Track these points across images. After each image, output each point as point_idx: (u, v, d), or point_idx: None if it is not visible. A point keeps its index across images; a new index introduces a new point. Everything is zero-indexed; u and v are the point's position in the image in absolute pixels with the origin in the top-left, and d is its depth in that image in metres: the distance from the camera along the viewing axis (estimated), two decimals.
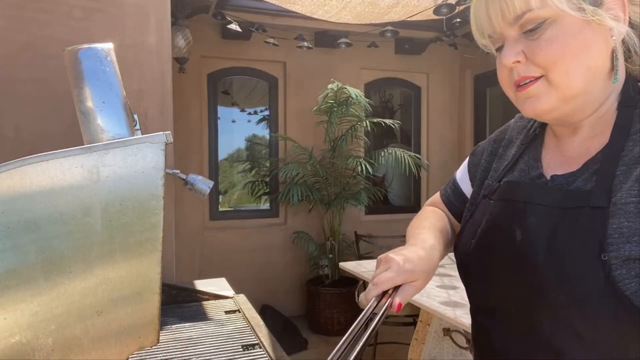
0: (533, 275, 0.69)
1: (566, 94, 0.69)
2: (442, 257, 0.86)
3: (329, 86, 4.28)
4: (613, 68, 0.70)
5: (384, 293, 0.73)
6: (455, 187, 0.99)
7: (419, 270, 0.75)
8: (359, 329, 0.66)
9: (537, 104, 0.70)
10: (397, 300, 0.71)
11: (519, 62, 0.70)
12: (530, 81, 0.70)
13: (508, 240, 0.74)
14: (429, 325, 2.51)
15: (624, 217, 0.62)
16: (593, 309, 0.62)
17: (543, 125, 0.84)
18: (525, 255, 0.71)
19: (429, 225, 0.91)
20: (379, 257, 0.78)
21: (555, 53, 0.67)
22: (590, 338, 0.63)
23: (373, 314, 0.69)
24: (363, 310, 0.70)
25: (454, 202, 0.98)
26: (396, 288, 0.74)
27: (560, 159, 0.77)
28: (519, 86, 0.71)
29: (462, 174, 0.98)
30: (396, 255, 0.75)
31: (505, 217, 0.77)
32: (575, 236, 0.66)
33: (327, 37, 4.60)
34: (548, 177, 0.75)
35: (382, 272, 0.74)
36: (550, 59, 0.67)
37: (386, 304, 0.71)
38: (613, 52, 0.69)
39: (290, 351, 1.04)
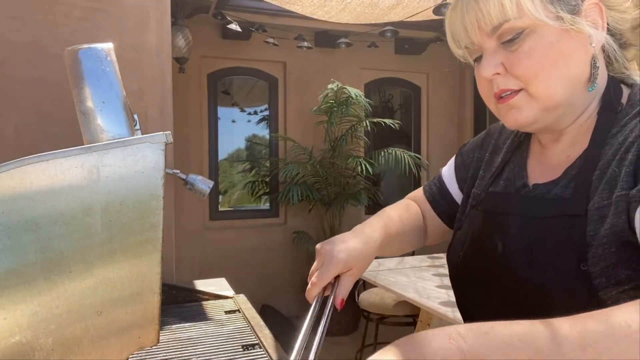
0: (514, 288, 0.68)
1: (547, 105, 0.67)
2: (387, 241, 0.84)
3: (329, 86, 4.28)
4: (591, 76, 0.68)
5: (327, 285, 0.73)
6: (441, 185, 0.96)
7: (353, 259, 0.74)
8: (309, 329, 0.67)
9: (518, 115, 0.69)
10: (338, 298, 0.72)
11: (498, 74, 0.68)
12: (510, 93, 0.68)
13: (490, 253, 0.73)
14: (429, 325, 2.52)
15: (599, 222, 0.61)
16: None
17: (528, 132, 0.82)
18: (506, 268, 0.70)
19: (381, 216, 0.89)
20: (316, 246, 0.78)
21: (535, 65, 0.65)
22: None
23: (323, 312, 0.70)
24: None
25: (439, 199, 0.95)
26: (335, 279, 0.74)
27: (544, 167, 0.75)
28: (500, 98, 0.70)
29: (448, 173, 0.95)
30: (329, 246, 0.75)
31: (487, 229, 0.76)
32: (554, 246, 0.64)
33: (327, 37, 4.60)
34: (531, 187, 0.74)
35: (318, 267, 0.74)
36: (529, 71, 0.66)
37: (329, 305, 0.71)
38: (592, 59, 0.67)
39: (290, 351, 1.03)
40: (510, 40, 0.66)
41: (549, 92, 0.66)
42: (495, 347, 0.43)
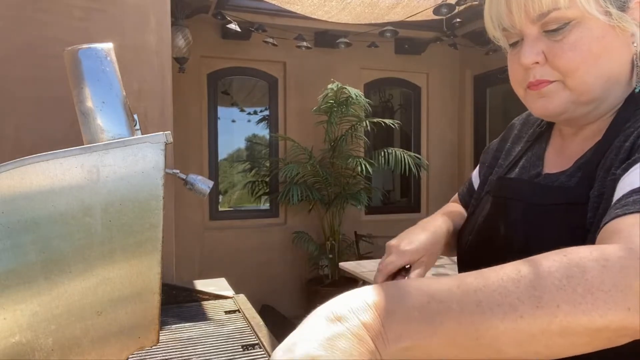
0: None
1: (581, 99, 0.67)
2: (451, 234, 0.87)
3: (329, 86, 4.28)
4: (632, 75, 0.68)
5: (394, 278, 0.74)
6: (470, 185, 0.99)
7: (422, 248, 0.76)
8: None
9: (549, 104, 0.69)
10: (413, 276, 0.73)
11: (537, 62, 0.67)
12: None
13: (494, 236, 0.74)
14: None
15: (596, 209, 0.62)
16: None
17: (551, 123, 0.82)
18: (506, 252, 0.70)
19: (439, 213, 0.93)
20: (387, 243, 0.79)
21: (578, 58, 0.64)
22: None
23: None
24: None
25: (468, 200, 0.98)
26: (406, 271, 0.75)
27: (560, 159, 0.76)
28: (532, 84, 0.69)
29: (476, 172, 0.98)
30: (395, 240, 0.77)
31: (493, 213, 0.77)
32: (553, 232, 0.65)
33: (327, 37, 4.60)
34: (543, 176, 0.75)
35: (385, 258, 0.75)
36: (572, 64, 0.65)
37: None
38: (633, 59, 0.67)
39: None
40: (556, 29, 0.65)
41: (586, 86, 0.66)
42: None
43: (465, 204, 0.99)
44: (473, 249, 0.80)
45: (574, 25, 0.64)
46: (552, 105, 0.68)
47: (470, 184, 0.98)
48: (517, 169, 0.81)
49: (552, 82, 0.67)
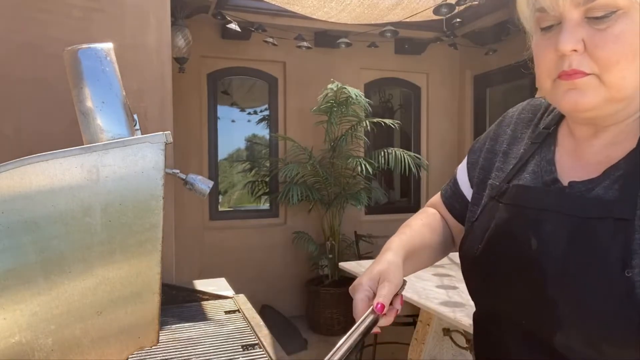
0: (547, 287, 0.65)
1: (615, 96, 0.63)
2: (414, 258, 0.85)
3: (329, 86, 4.28)
4: None
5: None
6: (456, 188, 0.93)
7: (378, 277, 0.75)
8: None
9: (580, 98, 0.64)
10: (375, 302, 0.70)
11: (575, 50, 0.62)
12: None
13: (521, 249, 0.69)
14: (428, 325, 2.52)
15: None
16: (613, 327, 0.59)
17: (556, 123, 0.78)
18: (540, 266, 0.66)
19: (398, 233, 0.89)
20: (350, 288, 0.78)
21: (620, 51, 0.60)
22: (611, 356, 0.60)
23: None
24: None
25: (454, 203, 0.93)
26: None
27: (577, 164, 0.71)
28: (565, 74, 0.64)
29: (462, 174, 0.92)
30: (355, 281, 0.76)
31: (518, 223, 0.72)
32: (595, 248, 0.61)
33: (327, 37, 4.60)
34: (565, 183, 0.70)
35: (355, 305, 0.73)
36: (613, 57, 0.61)
37: (366, 312, 0.71)
38: None
39: (290, 351, 1.04)
40: (601, 17, 0.61)
41: (624, 83, 0.62)
42: None
43: (450, 207, 0.94)
44: (486, 259, 0.76)
45: (620, 15, 0.60)
46: (584, 100, 0.63)
47: (456, 185, 0.93)
48: (526, 174, 0.76)
49: (587, 74, 0.63)
